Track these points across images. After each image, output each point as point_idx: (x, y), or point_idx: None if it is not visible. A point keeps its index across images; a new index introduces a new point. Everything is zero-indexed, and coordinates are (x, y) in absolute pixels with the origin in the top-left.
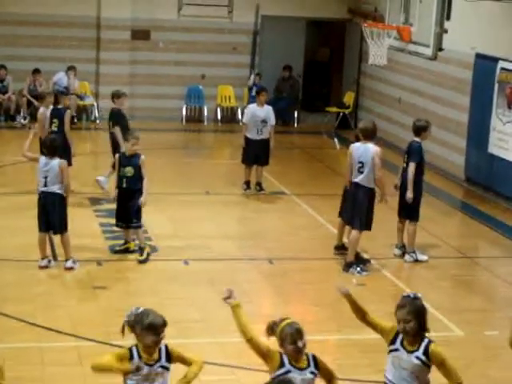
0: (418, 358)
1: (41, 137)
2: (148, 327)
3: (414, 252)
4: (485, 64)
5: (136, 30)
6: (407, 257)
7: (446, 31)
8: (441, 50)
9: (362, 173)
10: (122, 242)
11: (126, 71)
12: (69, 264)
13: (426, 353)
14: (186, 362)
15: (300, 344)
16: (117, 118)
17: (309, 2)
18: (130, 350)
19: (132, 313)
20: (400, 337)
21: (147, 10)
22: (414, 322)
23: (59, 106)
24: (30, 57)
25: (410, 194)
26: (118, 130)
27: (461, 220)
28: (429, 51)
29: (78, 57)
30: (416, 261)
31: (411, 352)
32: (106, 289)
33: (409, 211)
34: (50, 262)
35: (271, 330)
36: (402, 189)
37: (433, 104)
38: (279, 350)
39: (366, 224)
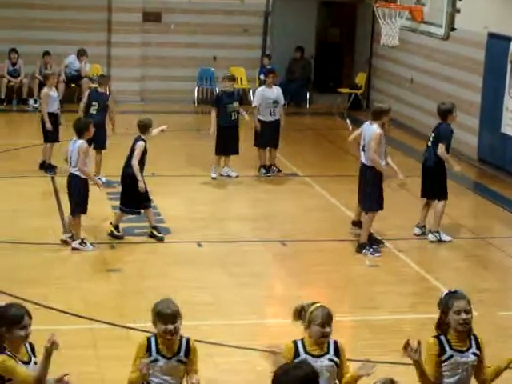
0: (474, 353)
1: (42, 116)
2: (157, 315)
3: (438, 232)
4: (497, 43)
5: (147, 12)
6: (430, 236)
7: (458, 11)
8: (453, 29)
9: (364, 151)
10: (127, 225)
11: (138, 53)
12: (74, 244)
13: (477, 345)
14: (192, 365)
15: (327, 329)
16: (213, 101)
17: None
18: (149, 339)
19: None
20: (446, 342)
21: None
22: (471, 313)
23: (100, 90)
24: (41, 40)
25: (457, 167)
26: (213, 112)
27: (474, 200)
28: (441, 31)
29: (89, 39)
30: (439, 241)
31: (465, 351)
32: (120, 271)
33: (437, 191)
34: (83, 243)
35: (299, 314)
36: (425, 168)
37: (445, 84)
38: (292, 340)
39: (375, 204)
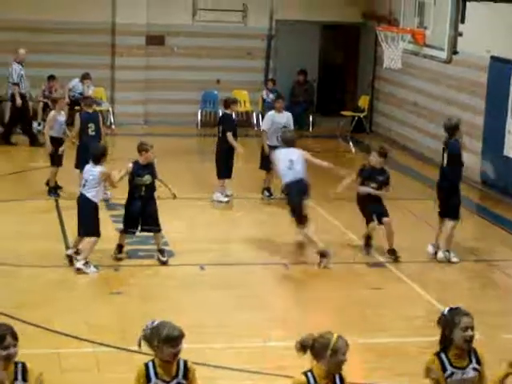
0: (474, 369)
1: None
2: (165, 339)
3: (448, 251)
4: (500, 67)
5: (151, 35)
6: (440, 254)
7: (460, 34)
8: (455, 53)
9: (291, 169)
10: (131, 247)
11: (141, 77)
12: (78, 264)
13: (477, 360)
14: None
15: (346, 357)
16: (228, 124)
17: (323, 7)
18: (146, 365)
19: (148, 326)
20: (446, 360)
21: (162, 15)
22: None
23: (89, 111)
24: (45, 63)
25: None
26: (229, 135)
27: (477, 223)
28: (443, 54)
29: (93, 63)
30: (448, 261)
31: (465, 367)
32: (123, 294)
33: (448, 210)
34: (87, 264)
35: (311, 346)
36: (443, 188)
37: (448, 107)
38: (303, 373)
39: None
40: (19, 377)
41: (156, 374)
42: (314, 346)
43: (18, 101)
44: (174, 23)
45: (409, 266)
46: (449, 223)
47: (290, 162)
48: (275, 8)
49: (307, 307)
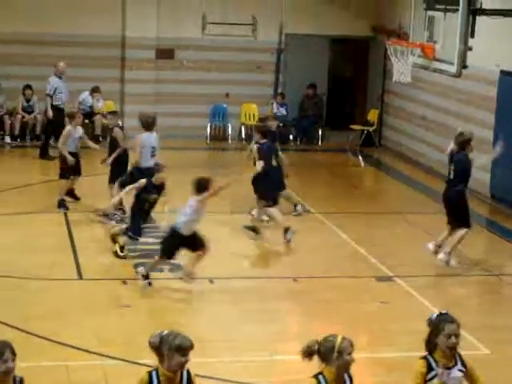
0: (460, 370)
1: (61, 155)
2: (177, 348)
3: (449, 253)
4: (509, 81)
5: (160, 49)
6: (441, 255)
7: (470, 48)
8: (465, 67)
9: (153, 156)
10: (143, 260)
11: (151, 90)
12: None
13: (463, 363)
14: None
15: (353, 357)
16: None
17: (332, 21)
18: (150, 374)
19: (157, 335)
20: (432, 360)
21: (172, 29)
22: (460, 336)
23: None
24: None
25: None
26: (253, 149)
27: (486, 237)
28: (453, 68)
29: (103, 76)
30: (446, 263)
31: (451, 367)
32: (131, 307)
33: (460, 220)
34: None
35: (317, 350)
36: (449, 198)
37: (457, 121)
38: (314, 376)
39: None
40: None
41: (159, 383)
42: (319, 350)
43: (49, 112)
44: (183, 37)
45: (417, 280)
46: (460, 229)
47: (153, 148)
48: (285, 22)
49: (316, 321)
